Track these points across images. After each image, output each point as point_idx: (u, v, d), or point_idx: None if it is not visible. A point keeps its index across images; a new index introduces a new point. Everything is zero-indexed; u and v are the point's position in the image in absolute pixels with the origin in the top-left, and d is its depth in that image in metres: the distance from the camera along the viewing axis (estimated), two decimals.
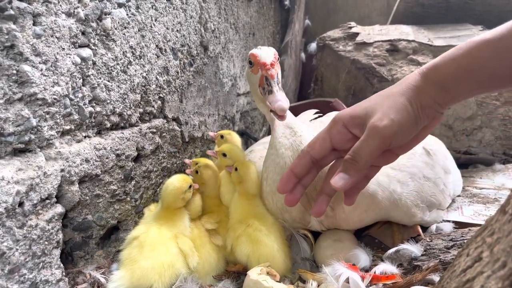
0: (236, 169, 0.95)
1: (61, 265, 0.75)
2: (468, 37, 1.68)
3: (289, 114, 0.91)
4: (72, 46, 0.76)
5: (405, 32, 1.74)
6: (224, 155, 0.99)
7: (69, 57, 0.75)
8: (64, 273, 0.76)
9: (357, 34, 1.79)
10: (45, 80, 0.69)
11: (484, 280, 0.44)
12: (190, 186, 0.91)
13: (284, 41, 2.07)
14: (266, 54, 0.90)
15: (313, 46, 1.92)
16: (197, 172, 1.00)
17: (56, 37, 0.71)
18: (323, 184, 0.82)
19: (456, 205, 1.17)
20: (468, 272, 0.50)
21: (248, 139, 1.68)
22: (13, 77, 0.64)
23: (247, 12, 1.68)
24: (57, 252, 0.74)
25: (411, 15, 1.92)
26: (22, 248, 0.65)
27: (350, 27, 1.84)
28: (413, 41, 1.68)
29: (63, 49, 0.73)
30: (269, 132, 1.73)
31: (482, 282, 0.44)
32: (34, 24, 0.67)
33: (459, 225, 1.03)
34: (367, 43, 1.72)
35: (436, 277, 0.81)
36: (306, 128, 0.94)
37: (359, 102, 0.76)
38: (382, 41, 1.71)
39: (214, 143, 1.36)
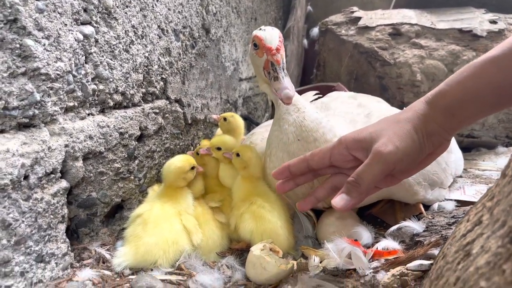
0: (238, 154, 0.95)
1: (67, 239, 0.76)
2: (471, 20, 1.67)
3: None
4: (74, 22, 0.76)
5: (408, 16, 1.73)
6: (219, 148, 0.99)
7: (72, 34, 0.75)
8: (69, 248, 0.77)
9: (359, 18, 1.78)
10: (48, 55, 0.70)
11: (484, 241, 0.45)
12: (193, 168, 0.92)
13: (286, 27, 2.06)
14: (272, 37, 0.89)
15: (315, 31, 1.92)
16: (198, 153, 1.01)
17: (58, 13, 0.72)
18: (317, 189, 0.83)
19: (458, 185, 1.18)
20: (468, 235, 0.51)
21: (251, 124, 1.68)
22: (17, 51, 0.65)
23: None
24: (62, 226, 0.75)
25: (414, 0, 1.91)
26: (28, 220, 0.66)
27: (352, 12, 1.83)
28: (416, 24, 1.67)
29: (66, 25, 0.74)
30: (271, 117, 1.74)
31: (482, 243, 0.45)
32: None
33: (461, 203, 1.03)
34: (370, 27, 1.72)
35: (437, 252, 0.81)
36: (309, 105, 0.94)
37: (366, 126, 0.77)
38: (385, 25, 1.70)
39: (217, 127, 1.37)
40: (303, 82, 2.23)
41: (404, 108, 0.77)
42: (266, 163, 0.95)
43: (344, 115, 1.09)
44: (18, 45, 0.65)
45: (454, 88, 0.68)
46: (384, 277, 0.79)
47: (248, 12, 1.68)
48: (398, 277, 0.79)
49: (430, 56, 1.60)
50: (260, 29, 0.92)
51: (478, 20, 1.66)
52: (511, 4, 1.80)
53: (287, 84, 0.85)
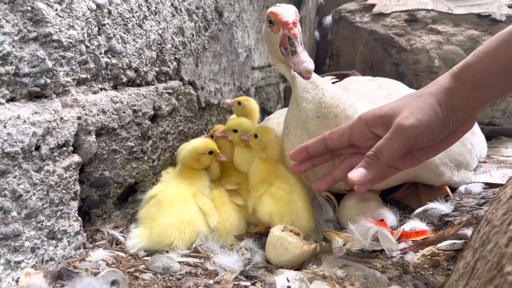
0: (256, 135, 0.91)
1: (79, 218, 0.73)
2: (489, 5, 1.63)
3: None
4: None
5: (424, 2, 1.69)
6: (235, 131, 0.95)
7: (84, 1, 0.72)
8: (82, 227, 0.73)
9: (373, 5, 1.75)
10: (60, 21, 0.66)
11: None
12: (211, 153, 0.88)
13: None
14: (288, 11, 0.86)
15: (328, 19, 1.88)
16: (212, 136, 0.97)
17: None
18: (334, 168, 0.80)
19: (483, 169, 1.13)
20: None
21: (264, 114, 1.64)
22: (28, 14, 0.61)
23: None
24: (75, 204, 0.71)
25: None
26: (39, 193, 0.62)
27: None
28: (432, 10, 1.63)
29: None
30: (285, 107, 1.70)
31: None
32: None
33: (489, 185, 0.99)
34: (385, 14, 1.68)
35: (469, 231, 0.77)
36: (328, 83, 0.91)
37: (387, 103, 0.74)
38: (400, 11, 1.67)
39: (230, 113, 1.33)
40: (316, 74, 2.19)
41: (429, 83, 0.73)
42: (285, 144, 0.91)
43: (364, 96, 1.05)
44: (29, 8, 0.61)
45: (482, 59, 0.65)
46: (413, 257, 0.75)
47: None
48: (429, 257, 0.75)
49: (448, 41, 1.56)
50: (276, 5, 0.89)
51: (496, 5, 1.61)
52: None
53: (305, 57, 0.82)
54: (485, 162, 1.22)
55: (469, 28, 1.57)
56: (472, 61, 0.66)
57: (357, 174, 0.68)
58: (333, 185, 0.81)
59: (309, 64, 0.80)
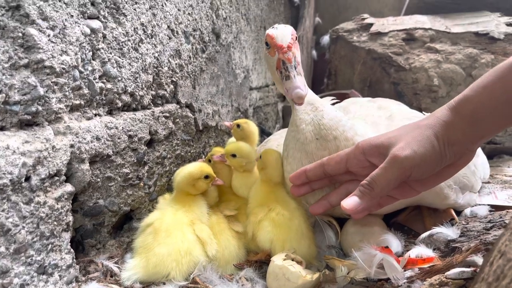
0: (234, 155, 0.92)
1: (72, 250, 0.69)
2: (486, 23, 1.63)
3: (309, 92, 0.87)
4: (81, 15, 0.71)
5: (421, 21, 1.69)
6: (234, 155, 0.93)
7: (78, 27, 0.70)
8: (74, 260, 0.70)
9: (371, 25, 1.74)
10: (52, 47, 0.64)
11: None
12: (207, 177, 0.85)
13: None
14: (283, 35, 0.84)
15: (325, 39, 1.88)
16: (209, 161, 0.95)
17: (64, 3, 0.67)
18: (331, 193, 0.81)
19: (488, 191, 1.11)
20: None
21: (262, 135, 1.62)
22: (19, 41, 0.59)
23: (258, 4, 1.64)
24: (67, 235, 0.68)
25: (425, 6, 1.88)
26: (29, 226, 0.59)
27: (363, 19, 1.79)
28: (430, 29, 1.63)
29: (72, 16, 0.69)
30: (283, 128, 1.68)
31: None
32: None
33: (495, 208, 0.96)
34: (382, 33, 1.67)
35: (478, 258, 0.74)
36: (328, 104, 0.89)
37: (384, 132, 0.74)
38: (398, 30, 1.66)
39: (229, 135, 1.31)
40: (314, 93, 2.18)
41: (426, 114, 0.73)
42: (284, 166, 0.89)
43: (365, 117, 1.03)
44: (20, 34, 0.59)
45: (480, 93, 0.64)
46: (421, 286, 0.72)
47: (257, 20, 1.64)
48: (437, 286, 0.71)
49: (446, 60, 1.55)
50: (273, 27, 0.87)
51: (494, 23, 1.61)
52: None
53: (298, 83, 0.80)
54: (489, 182, 1.20)
55: (468, 46, 1.56)
56: (470, 95, 0.66)
57: (350, 202, 0.67)
58: (329, 209, 0.81)
59: (301, 90, 0.79)
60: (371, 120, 1.02)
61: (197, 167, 0.86)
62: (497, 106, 0.63)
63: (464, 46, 1.56)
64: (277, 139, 1.10)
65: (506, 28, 1.58)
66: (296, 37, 0.87)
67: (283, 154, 0.91)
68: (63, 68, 0.67)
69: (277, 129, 1.85)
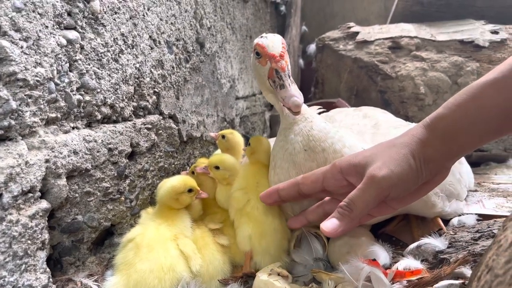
0: (249, 144, 0.94)
1: (48, 269, 0.67)
2: (471, 31, 1.64)
3: None
4: (57, 26, 0.69)
5: (407, 29, 1.70)
6: (217, 167, 0.91)
7: (54, 37, 0.68)
8: (51, 279, 0.67)
9: (357, 33, 1.74)
10: (26, 59, 0.62)
11: None
12: (190, 190, 0.83)
13: None
14: (274, 44, 0.83)
15: (312, 47, 1.87)
16: (193, 173, 0.93)
17: (39, 13, 0.65)
18: (309, 211, 0.81)
19: (476, 199, 1.10)
20: None
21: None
22: None
23: (243, 13, 1.63)
24: (42, 254, 0.65)
25: (410, 14, 1.88)
26: (1, 246, 0.57)
27: (349, 27, 1.79)
28: (416, 37, 1.63)
29: (47, 27, 0.67)
30: (270, 137, 1.67)
31: None
32: None
33: (483, 217, 0.95)
34: (368, 41, 1.67)
35: (467, 270, 0.73)
36: (317, 115, 0.87)
37: (360, 151, 0.74)
38: (384, 38, 1.66)
39: (214, 146, 1.29)
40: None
41: (411, 124, 0.72)
42: (271, 176, 0.88)
43: (351, 126, 1.03)
44: None
45: (454, 111, 0.65)
46: None
47: (243, 29, 1.63)
48: None
49: (432, 68, 1.55)
50: (262, 36, 0.86)
51: (479, 31, 1.62)
52: (510, 16, 1.77)
53: (294, 91, 0.79)
54: (476, 190, 1.19)
55: (453, 54, 1.57)
56: (444, 113, 0.66)
57: (329, 225, 0.67)
58: (306, 225, 0.81)
59: (299, 98, 0.78)
60: (357, 129, 1.01)
61: (180, 180, 0.83)
62: (470, 125, 0.63)
63: (449, 54, 1.57)
64: None
65: (491, 36, 1.59)
66: (286, 45, 0.86)
67: (270, 164, 0.89)
68: (38, 81, 0.64)
69: None
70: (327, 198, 0.80)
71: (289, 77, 0.82)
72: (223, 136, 1.05)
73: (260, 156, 0.92)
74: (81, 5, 0.74)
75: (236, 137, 1.08)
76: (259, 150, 0.92)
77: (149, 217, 0.84)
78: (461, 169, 1.04)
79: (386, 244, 0.86)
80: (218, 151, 1.12)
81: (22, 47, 0.62)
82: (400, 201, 0.71)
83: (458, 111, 0.64)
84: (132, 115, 0.91)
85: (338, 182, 0.74)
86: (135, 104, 0.92)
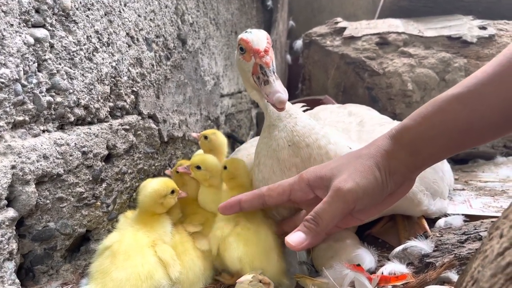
0: (225, 167, 0.87)
1: (17, 280, 0.64)
2: (459, 27, 1.62)
3: None
4: (24, 24, 0.65)
5: (394, 25, 1.67)
6: (198, 167, 0.88)
7: (20, 36, 0.64)
8: None
9: (344, 29, 1.72)
10: None
11: None
12: (173, 192, 0.80)
13: None
14: (259, 38, 0.81)
15: (298, 43, 1.84)
16: (177, 172, 0.90)
17: (3, 11, 0.61)
18: (282, 223, 0.81)
19: (462, 198, 1.08)
20: (506, 254, 0.40)
21: (235, 143, 1.58)
22: None
23: (228, 8, 1.59)
24: (10, 265, 0.62)
25: (398, 9, 1.86)
26: None
27: (337, 23, 1.76)
28: (403, 33, 1.61)
29: (12, 25, 0.63)
30: (257, 135, 1.64)
31: None
32: None
33: (470, 218, 0.94)
34: (356, 37, 1.65)
35: (452, 274, 0.71)
36: (301, 112, 0.85)
37: (327, 162, 0.74)
38: (371, 34, 1.64)
39: (197, 145, 1.26)
40: (288, 98, 2.14)
41: (368, 143, 0.72)
42: (255, 174, 0.86)
43: (336, 124, 1.01)
44: None
45: (419, 123, 0.64)
46: None
47: (227, 24, 1.59)
48: None
49: (420, 64, 1.53)
50: (246, 31, 0.84)
51: (467, 27, 1.60)
52: (498, 11, 1.75)
53: (278, 87, 0.77)
54: (463, 189, 1.18)
55: (441, 50, 1.55)
56: (409, 124, 0.66)
57: (295, 239, 0.66)
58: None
59: (283, 94, 0.76)
60: (342, 127, 1.00)
61: (162, 183, 0.80)
62: (434, 137, 0.63)
63: (437, 50, 1.55)
64: (248, 148, 1.06)
65: (479, 32, 1.57)
66: (271, 42, 0.83)
67: (254, 161, 0.87)
68: (2, 82, 0.61)
69: (251, 136, 1.81)
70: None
71: (274, 73, 0.80)
72: (206, 137, 1.02)
73: (242, 180, 0.87)
74: (50, 1, 0.70)
75: (219, 137, 1.05)
76: (239, 174, 0.87)
77: (127, 221, 0.81)
78: (443, 167, 1.04)
79: (371, 247, 0.84)
80: (200, 151, 1.09)
81: None
82: (365, 212, 0.71)
83: (423, 123, 0.64)
84: (109, 116, 0.87)
85: (305, 195, 0.73)
86: (111, 104, 0.88)
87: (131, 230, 0.76)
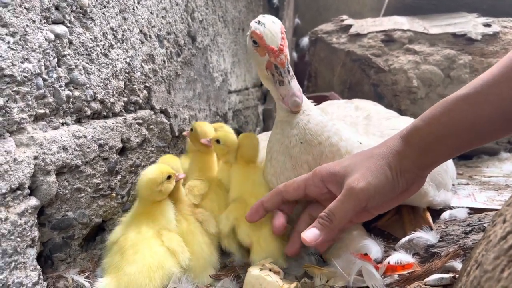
0: (218, 141, 0.90)
1: (38, 266, 0.66)
2: (464, 24, 1.64)
3: None
4: (45, 20, 0.68)
5: (399, 22, 1.69)
6: (218, 141, 0.91)
7: (41, 32, 0.67)
8: (41, 276, 0.67)
9: (350, 26, 1.74)
10: (13, 54, 0.61)
11: None
12: (169, 177, 0.79)
13: None
14: (273, 34, 0.78)
15: (305, 40, 1.86)
16: (218, 141, 0.92)
17: (26, 8, 0.64)
18: (299, 224, 0.81)
19: (467, 192, 1.11)
20: (509, 238, 0.43)
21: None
22: None
23: (235, 6, 1.61)
24: (32, 251, 0.65)
25: (403, 7, 1.88)
26: None
27: (342, 20, 1.78)
28: (408, 30, 1.63)
29: (34, 21, 0.65)
30: (263, 131, 1.66)
31: None
32: None
33: (474, 211, 0.96)
34: (361, 34, 1.67)
35: (457, 264, 0.73)
36: (314, 108, 0.87)
37: (340, 160, 0.76)
38: (377, 31, 1.66)
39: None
40: None
41: (380, 143, 0.75)
42: (267, 169, 0.88)
43: (343, 118, 1.04)
44: None
45: (428, 123, 0.67)
46: None
47: (235, 22, 1.62)
48: None
49: (425, 61, 1.55)
50: (259, 22, 0.80)
51: (471, 24, 1.62)
52: (503, 8, 1.77)
53: (295, 89, 0.79)
54: (468, 184, 1.20)
55: (445, 47, 1.57)
56: (420, 124, 0.68)
57: (309, 235, 0.69)
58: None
59: (298, 98, 0.78)
60: (350, 121, 1.02)
61: (157, 171, 0.79)
62: (443, 137, 0.66)
63: (442, 47, 1.57)
64: (262, 140, 1.07)
65: (483, 29, 1.59)
66: (285, 31, 0.82)
67: (266, 156, 0.89)
68: (25, 76, 0.63)
69: (258, 132, 1.83)
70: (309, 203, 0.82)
71: (289, 72, 0.80)
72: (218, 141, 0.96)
73: (247, 153, 0.91)
74: None
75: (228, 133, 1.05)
76: (229, 144, 0.91)
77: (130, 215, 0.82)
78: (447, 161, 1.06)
79: (378, 238, 0.87)
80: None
81: (9, 42, 0.61)
82: (377, 208, 0.74)
83: (432, 123, 0.67)
84: (123, 110, 0.90)
85: (319, 190, 0.76)
86: (125, 99, 0.91)
87: (133, 223, 0.76)
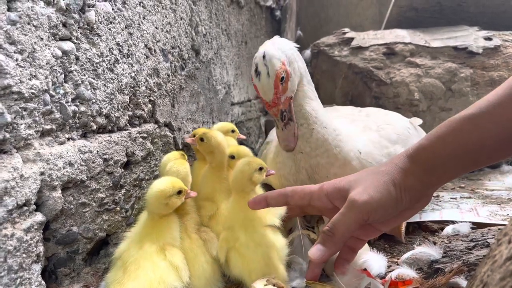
0: (202, 139, 0.90)
1: (43, 282, 0.66)
2: (465, 38, 1.65)
3: (308, 103, 0.91)
4: (52, 37, 0.69)
5: (401, 35, 1.71)
6: (202, 139, 0.90)
7: (49, 49, 0.68)
8: None
9: (352, 39, 1.75)
10: (21, 71, 0.62)
11: None
12: (179, 192, 0.78)
13: None
14: (266, 90, 0.83)
15: (307, 53, 1.88)
16: (202, 139, 0.90)
17: (34, 26, 0.65)
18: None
19: (469, 206, 1.11)
20: None
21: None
22: None
23: (238, 19, 1.63)
24: (37, 267, 0.65)
25: (405, 20, 1.89)
26: None
27: (344, 33, 1.80)
28: (410, 43, 1.64)
29: (42, 39, 0.66)
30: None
31: None
32: (8, 10, 0.61)
33: (477, 225, 0.96)
34: (363, 47, 1.68)
35: (461, 280, 0.73)
36: (321, 117, 0.91)
37: (347, 176, 0.77)
38: (378, 44, 1.67)
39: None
40: None
41: (386, 161, 0.76)
42: (273, 165, 0.97)
43: (347, 116, 1.13)
44: None
45: (434, 143, 0.68)
46: None
47: (238, 35, 1.63)
48: None
49: (427, 74, 1.56)
50: (256, 70, 0.83)
51: (472, 37, 1.63)
52: (503, 22, 1.78)
53: (286, 134, 0.86)
54: (470, 197, 1.20)
55: (447, 60, 1.58)
56: (425, 144, 0.69)
57: (314, 251, 0.70)
58: (322, 267, 0.78)
59: (289, 144, 0.87)
60: (352, 118, 1.11)
61: (168, 183, 0.77)
62: (448, 157, 0.67)
63: (443, 61, 1.58)
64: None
65: (484, 42, 1.60)
66: (287, 73, 0.83)
67: (274, 159, 0.98)
68: (33, 93, 0.64)
69: (259, 144, 1.83)
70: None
71: (283, 119, 0.85)
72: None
73: (220, 157, 0.90)
74: (76, 16, 0.74)
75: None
76: (218, 150, 0.89)
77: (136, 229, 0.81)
78: None
79: (381, 252, 0.87)
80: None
81: (17, 59, 0.61)
82: (384, 224, 0.74)
83: (438, 143, 0.68)
84: (128, 124, 0.91)
85: (323, 204, 0.77)
86: (130, 113, 0.91)
87: (138, 237, 0.76)
